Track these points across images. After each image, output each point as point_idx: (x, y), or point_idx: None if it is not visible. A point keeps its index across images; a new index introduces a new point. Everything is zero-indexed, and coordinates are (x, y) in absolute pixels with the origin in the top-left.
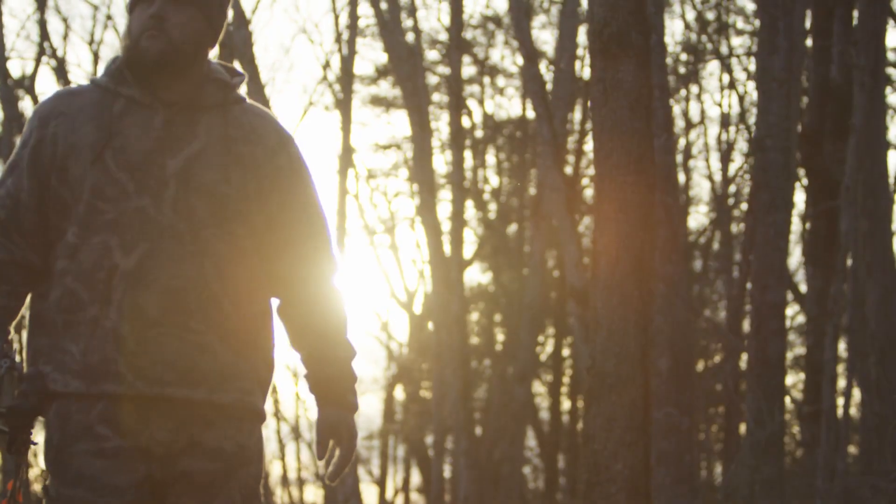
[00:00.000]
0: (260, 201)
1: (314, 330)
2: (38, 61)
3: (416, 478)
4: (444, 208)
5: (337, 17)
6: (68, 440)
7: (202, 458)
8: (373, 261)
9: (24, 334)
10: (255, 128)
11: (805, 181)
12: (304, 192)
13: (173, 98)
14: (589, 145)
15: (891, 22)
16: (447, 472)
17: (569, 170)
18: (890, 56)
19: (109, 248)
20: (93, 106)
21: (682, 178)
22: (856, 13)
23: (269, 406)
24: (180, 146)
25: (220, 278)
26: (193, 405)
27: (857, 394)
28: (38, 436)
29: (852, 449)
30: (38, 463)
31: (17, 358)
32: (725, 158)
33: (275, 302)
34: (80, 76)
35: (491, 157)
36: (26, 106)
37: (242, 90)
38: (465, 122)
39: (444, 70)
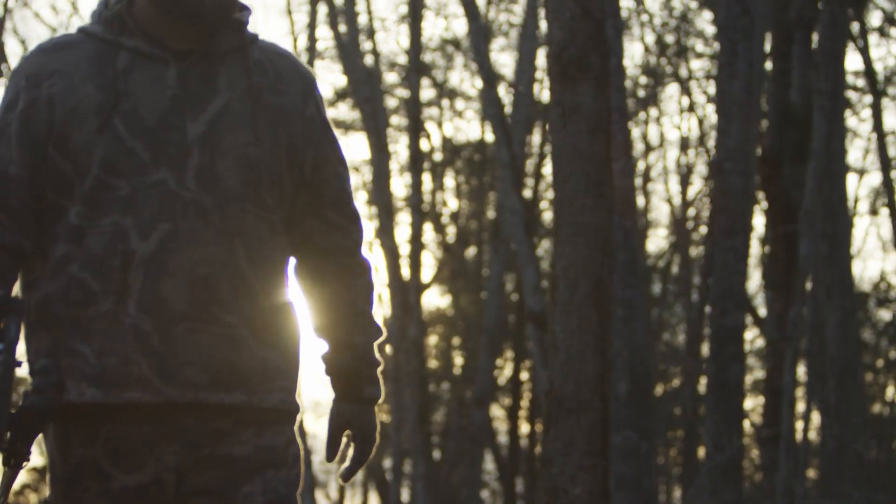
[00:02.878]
0: (291, 163)
1: (337, 309)
2: None
3: (374, 502)
4: (402, 231)
5: (295, 40)
6: (74, 474)
7: (218, 467)
8: None
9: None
10: (281, 73)
11: (764, 205)
12: (335, 148)
13: (185, 47)
14: (548, 168)
15: (850, 46)
16: (405, 496)
17: (528, 193)
18: (849, 80)
19: (124, 230)
20: (91, 61)
21: (641, 201)
22: (815, 37)
23: None
24: (201, 105)
25: (252, 261)
26: (229, 412)
27: (816, 417)
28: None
29: (811, 473)
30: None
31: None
32: (685, 182)
33: (294, 273)
34: None
35: (450, 180)
36: None
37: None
38: (424, 145)
39: (403, 93)
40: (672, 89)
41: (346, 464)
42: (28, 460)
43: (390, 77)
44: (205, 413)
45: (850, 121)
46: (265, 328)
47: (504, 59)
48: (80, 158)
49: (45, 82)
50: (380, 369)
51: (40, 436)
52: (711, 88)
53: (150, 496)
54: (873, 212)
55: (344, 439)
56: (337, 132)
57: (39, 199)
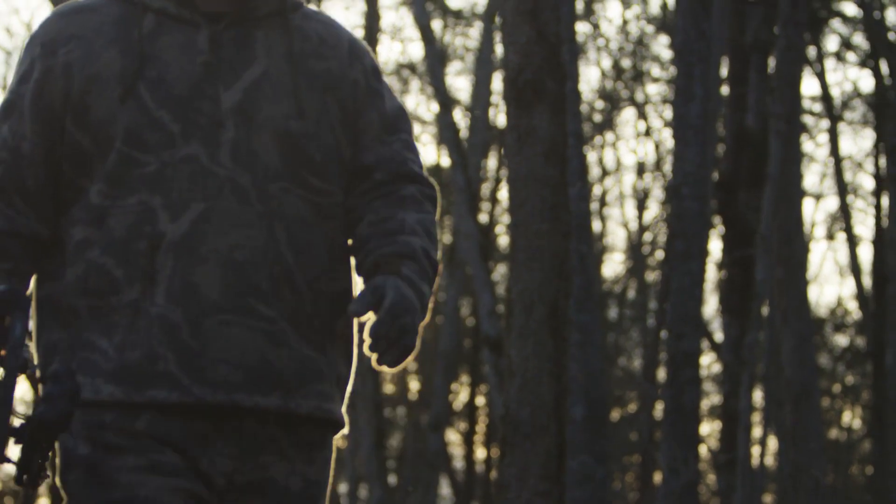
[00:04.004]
0: (345, 129)
1: (377, 226)
2: None
3: None
4: None
5: None
6: (107, 453)
7: (270, 501)
8: None
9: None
10: (324, 38)
11: (721, 229)
12: (382, 115)
13: (218, 9)
14: (503, 193)
15: (806, 70)
16: None
17: (483, 217)
18: (805, 104)
19: (151, 210)
20: (114, 25)
21: (597, 225)
22: (772, 61)
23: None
24: (235, 72)
25: (294, 247)
26: (265, 417)
27: (772, 442)
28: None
29: (768, 498)
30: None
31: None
32: (641, 206)
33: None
34: None
35: None
36: None
37: None
38: None
39: None
40: (628, 113)
41: (379, 349)
42: (45, 477)
43: None
44: (260, 417)
45: (807, 145)
46: (309, 324)
47: (460, 84)
48: (102, 132)
49: (61, 49)
50: (434, 286)
51: None
52: (668, 113)
53: (195, 476)
54: (830, 236)
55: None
56: None
57: (56, 179)
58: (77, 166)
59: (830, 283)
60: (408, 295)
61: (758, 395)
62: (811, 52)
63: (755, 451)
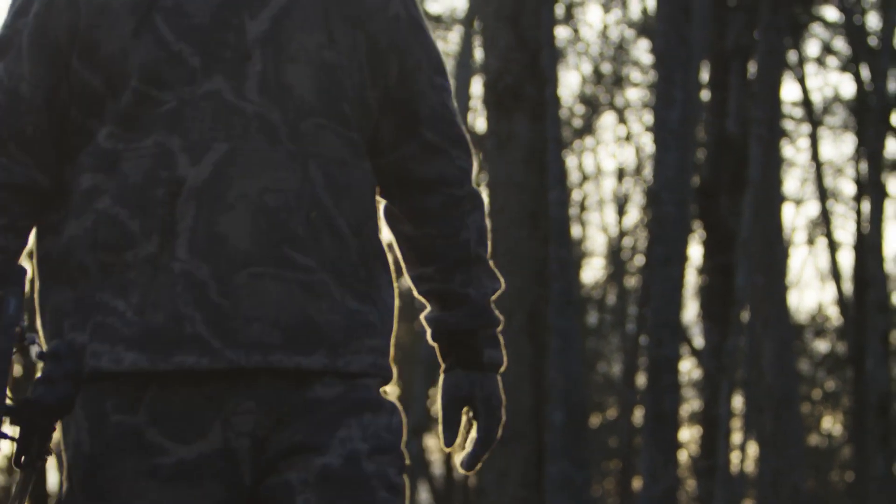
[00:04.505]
0: (374, 71)
1: (443, 254)
2: None
3: None
4: None
5: None
6: (107, 452)
7: (305, 414)
8: None
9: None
10: None
11: (701, 234)
12: (430, 53)
13: None
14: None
15: (787, 75)
16: None
17: None
18: (786, 109)
19: (170, 152)
20: None
21: (576, 230)
22: (752, 66)
23: None
24: None
25: (333, 189)
26: (309, 379)
27: (753, 448)
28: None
29: None
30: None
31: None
32: (621, 211)
33: (384, 215)
34: None
35: None
36: None
37: None
38: None
39: None
40: (608, 118)
41: (468, 449)
42: (45, 459)
43: None
44: (278, 381)
45: (788, 150)
46: (352, 273)
47: None
48: (114, 68)
49: None
50: (499, 329)
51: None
52: (648, 117)
53: (216, 471)
54: (810, 242)
55: (463, 418)
56: None
57: (60, 123)
58: (85, 108)
59: (811, 288)
60: (497, 402)
61: (738, 401)
62: (792, 56)
63: (735, 457)
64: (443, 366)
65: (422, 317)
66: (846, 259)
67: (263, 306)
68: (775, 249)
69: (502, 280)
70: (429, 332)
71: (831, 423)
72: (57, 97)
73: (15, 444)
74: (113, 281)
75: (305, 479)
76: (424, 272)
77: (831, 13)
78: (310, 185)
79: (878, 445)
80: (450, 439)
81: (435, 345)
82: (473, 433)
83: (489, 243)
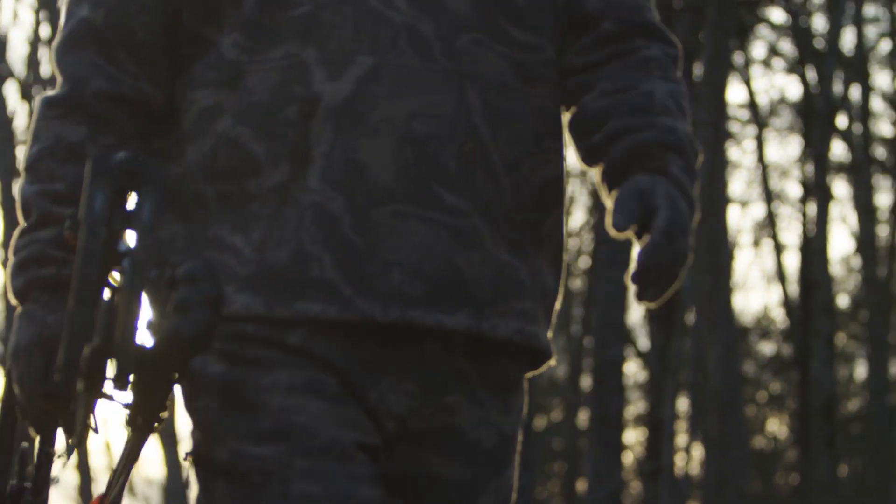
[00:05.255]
0: None
1: (620, 106)
2: None
3: None
4: None
5: None
6: (250, 368)
7: (456, 458)
8: None
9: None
10: None
11: None
12: None
13: None
14: None
15: (733, 76)
16: None
17: None
18: (732, 111)
19: (303, 65)
20: None
21: None
22: (698, 68)
23: None
24: None
25: (492, 118)
26: (450, 342)
27: (697, 450)
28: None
29: None
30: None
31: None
32: (566, 212)
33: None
34: None
35: None
36: None
37: None
38: None
39: None
40: None
41: (648, 275)
42: (162, 419)
43: None
44: (446, 342)
45: (733, 152)
46: (509, 221)
47: None
48: None
49: None
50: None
51: None
52: None
53: (367, 422)
54: (756, 244)
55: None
56: None
57: (174, 29)
58: (202, 13)
59: (756, 290)
60: (682, 209)
61: (683, 403)
62: (738, 58)
63: (680, 459)
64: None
65: (600, 176)
66: (792, 261)
67: (405, 250)
68: (721, 251)
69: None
70: (598, 172)
71: (776, 426)
72: (170, 1)
73: (133, 397)
74: (232, 214)
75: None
76: (595, 136)
77: (777, 15)
78: (466, 111)
79: (823, 448)
80: (621, 220)
81: (604, 185)
82: (651, 245)
83: (686, 109)
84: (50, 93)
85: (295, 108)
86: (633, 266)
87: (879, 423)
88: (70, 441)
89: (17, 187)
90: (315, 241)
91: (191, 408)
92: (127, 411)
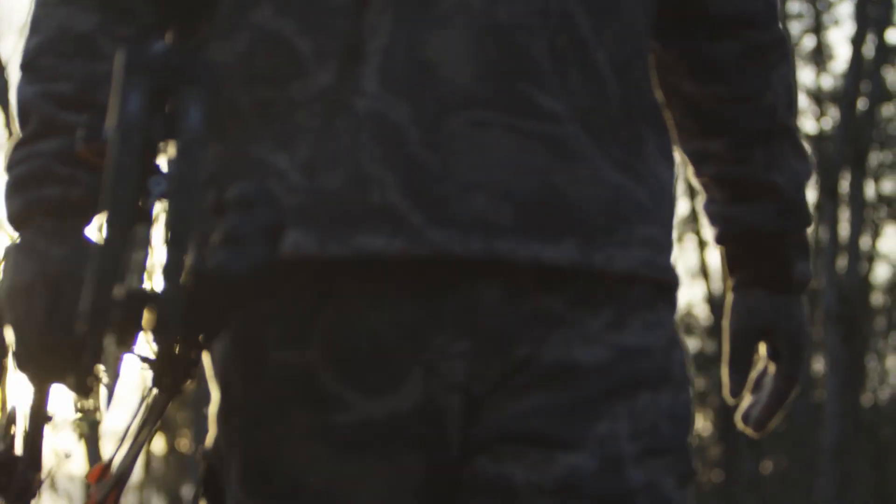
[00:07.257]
0: None
1: (737, 122)
2: None
3: None
4: None
5: None
6: (269, 401)
7: (549, 387)
8: None
9: None
10: None
11: None
12: None
13: None
14: None
15: None
16: None
17: None
18: None
19: None
20: None
21: None
22: None
23: None
24: None
25: (594, 6)
26: (552, 279)
27: None
28: None
29: None
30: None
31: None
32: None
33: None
34: None
35: None
36: None
37: None
38: None
39: None
40: None
41: (761, 401)
42: (193, 376)
43: None
44: (509, 280)
45: None
46: (611, 131)
47: None
48: None
49: None
50: (810, 230)
51: None
52: None
53: (413, 439)
54: (679, 240)
55: (755, 356)
56: None
57: None
58: None
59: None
60: (805, 339)
61: None
62: None
63: None
64: (731, 280)
65: (703, 207)
66: (714, 257)
67: (489, 168)
68: None
69: (812, 160)
70: (714, 231)
71: (700, 423)
72: None
73: (160, 351)
74: (273, 127)
75: (538, 482)
76: (709, 147)
77: None
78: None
79: (746, 445)
80: (737, 386)
81: (720, 248)
82: (768, 381)
83: (797, 105)
84: None
85: None
86: (749, 417)
87: (802, 419)
88: (82, 405)
89: (13, 89)
90: (374, 159)
91: (219, 423)
92: (152, 369)
